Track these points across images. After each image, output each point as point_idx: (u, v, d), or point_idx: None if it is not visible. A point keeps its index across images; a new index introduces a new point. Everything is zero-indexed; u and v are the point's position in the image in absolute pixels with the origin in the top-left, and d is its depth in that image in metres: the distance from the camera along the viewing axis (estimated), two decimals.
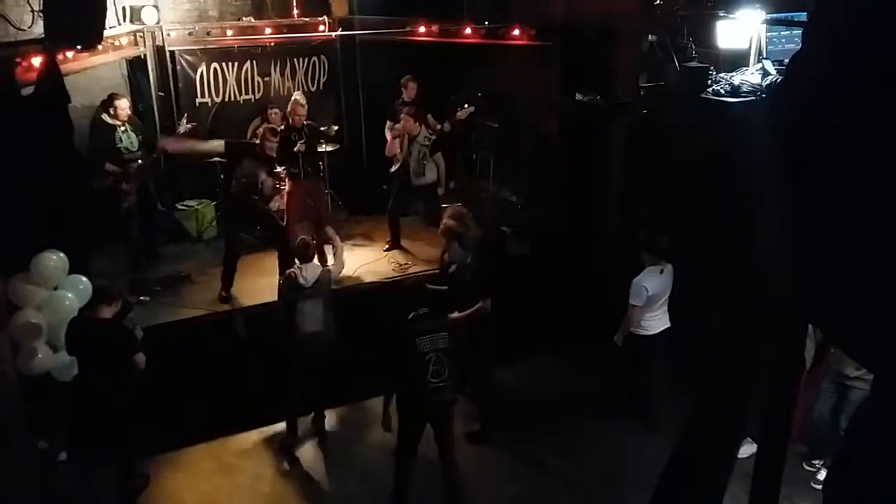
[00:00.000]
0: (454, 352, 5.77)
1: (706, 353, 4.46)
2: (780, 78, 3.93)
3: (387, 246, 9.05)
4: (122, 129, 8.05)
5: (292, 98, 8.52)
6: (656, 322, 6.96)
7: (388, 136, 9.18)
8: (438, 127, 8.80)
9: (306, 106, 8.44)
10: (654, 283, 6.78)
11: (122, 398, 5.73)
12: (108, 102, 8.06)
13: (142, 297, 7.61)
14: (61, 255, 6.01)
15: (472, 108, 9.05)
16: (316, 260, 6.77)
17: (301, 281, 6.54)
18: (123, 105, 8.06)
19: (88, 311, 5.82)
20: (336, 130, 8.73)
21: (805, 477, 6.32)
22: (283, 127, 8.40)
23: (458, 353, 5.91)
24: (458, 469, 6.02)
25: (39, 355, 5.71)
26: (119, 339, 5.73)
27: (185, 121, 8.58)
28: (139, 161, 8.08)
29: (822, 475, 6.28)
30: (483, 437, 6.91)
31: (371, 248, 9.13)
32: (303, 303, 6.57)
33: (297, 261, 6.72)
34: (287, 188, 8.07)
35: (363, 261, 8.73)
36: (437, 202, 8.82)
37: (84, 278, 6.11)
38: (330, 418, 7.26)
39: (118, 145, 8.01)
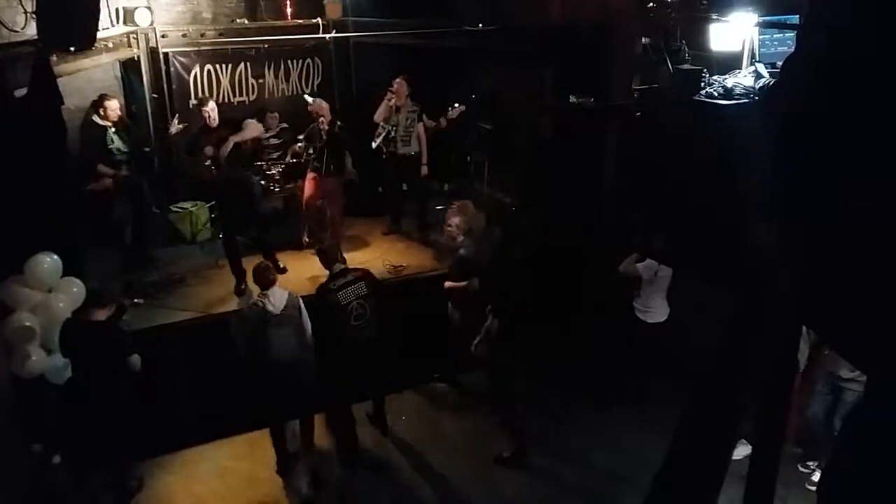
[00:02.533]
0: (372, 297, 6.45)
1: (701, 354, 4.47)
2: (774, 80, 3.93)
3: (386, 230, 9.30)
4: (113, 129, 8.07)
5: (315, 101, 8.55)
6: (662, 310, 7.13)
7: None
8: (433, 124, 9.02)
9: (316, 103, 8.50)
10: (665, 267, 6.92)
11: (115, 400, 5.72)
12: (99, 103, 8.06)
13: (136, 300, 7.60)
14: (55, 257, 5.99)
15: (462, 108, 9.10)
16: (277, 285, 6.31)
17: (270, 308, 6.12)
18: (114, 106, 8.06)
19: (82, 313, 5.81)
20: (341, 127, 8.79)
21: (799, 478, 6.33)
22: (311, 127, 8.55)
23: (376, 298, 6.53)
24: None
25: (33, 357, 5.69)
26: (112, 342, 5.72)
27: (176, 120, 8.57)
28: (130, 162, 8.10)
29: (816, 476, 6.30)
30: (514, 461, 6.78)
31: (365, 249, 9.13)
32: (272, 331, 6.14)
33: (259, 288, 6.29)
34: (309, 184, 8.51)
35: (357, 262, 8.72)
36: (419, 175, 9.13)
37: (78, 281, 6.09)
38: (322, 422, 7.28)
39: (109, 146, 8.05)
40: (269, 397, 6.34)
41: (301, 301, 6.37)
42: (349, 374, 6.53)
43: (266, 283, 6.21)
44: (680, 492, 4.27)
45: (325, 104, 8.45)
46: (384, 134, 8.95)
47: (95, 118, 8.07)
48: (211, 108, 7.72)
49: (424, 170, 9.11)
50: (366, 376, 6.65)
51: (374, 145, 9.04)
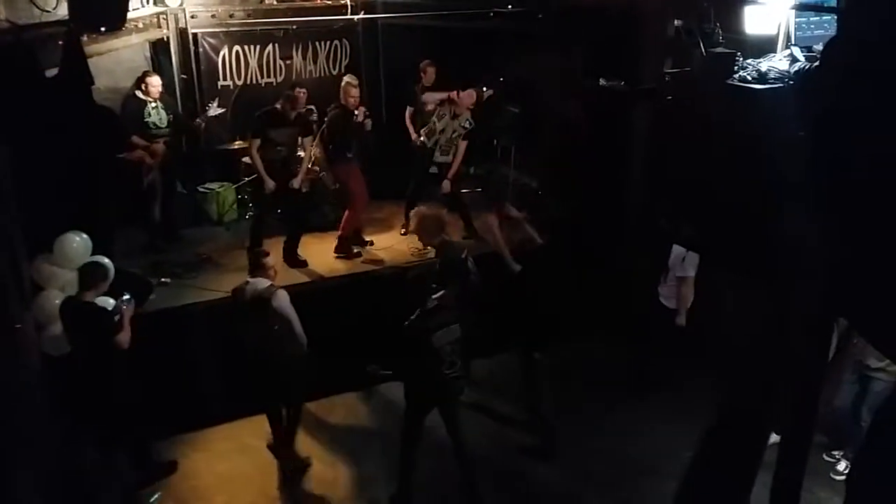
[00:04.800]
0: (465, 339, 5.79)
1: (733, 345, 4.43)
2: (812, 64, 3.86)
3: (403, 230, 9.07)
4: (153, 105, 8.24)
5: (345, 80, 8.42)
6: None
7: (409, 123, 9.17)
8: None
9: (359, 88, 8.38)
10: (692, 256, 6.80)
11: (107, 379, 5.77)
12: (141, 79, 8.26)
13: (163, 279, 7.67)
14: (84, 236, 6.06)
15: (490, 91, 9.00)
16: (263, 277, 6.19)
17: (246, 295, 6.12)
18: (155, 82, 8.25)
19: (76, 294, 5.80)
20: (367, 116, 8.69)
21: (825, 467, 6.30)
22: (336, 108, 8.34)
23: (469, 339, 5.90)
24: (467, 445, 6.07)
25: (61, 335, 5.75)
26: (95, 321, 5.72)
27: (215, 104, 8.60)
28: (166, 138, 8.23)
29: (841, 466, 6.26)
30: (544, 452, 6.78)
31: (390, 232, 9.16)
32: (241, 316, 6.21)
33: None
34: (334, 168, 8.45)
35: (382, 245, 8.75)
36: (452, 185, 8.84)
37: (106, 259, 6.14)
38: (342, 404, 7.37)
39: (146, 119, 8.19)
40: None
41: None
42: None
43: (254, 270, 6.23)
44: (712, 489, 4.25)
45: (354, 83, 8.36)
46: (428, 136, 8.72)
47: (137, 93, 8.24)
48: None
49: (446, 185, 8.77)
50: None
51: (420, 139, 8.80)
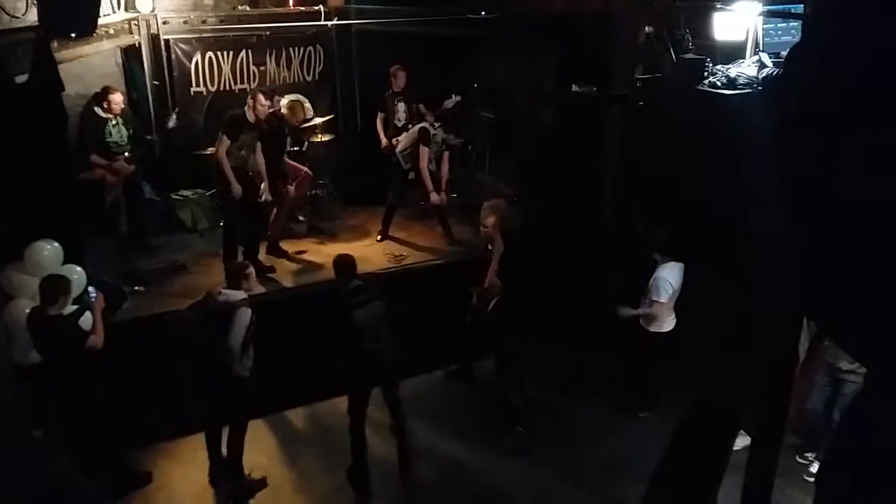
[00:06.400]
0: (391, 316, 6.12)
1: (704, 348, 4.47)
2: (778, 70, 3.92)
3: (379, 236, 9.06)
4: (114, 122, 8.00)
5: (294, 99, 8.37)
6: (671, 320, 6.98)
7: (380, 128, 9.18)
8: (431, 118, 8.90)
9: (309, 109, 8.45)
10: (675, 277, 6.78)
11: (77, 387, 5.72)
12: (102, 96, 7.98)
13: (136, 287, 7.60)
14: (55, 244, 5.99)
15: (458, 98, 9.02)
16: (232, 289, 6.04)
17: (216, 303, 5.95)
18: (117, 99, 8.00)
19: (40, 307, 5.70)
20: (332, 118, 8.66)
21: (797, 469, 6.35)
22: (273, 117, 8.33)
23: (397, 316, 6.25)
24: (407, 439, 6.41)
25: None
26: (61, 336, 5.68)
27: (173, 115, 8.50)
28: (126, 154, 8.07)
29: (814, 467, 6.31)
30: (517, 449, 6.77)
31: (365, 238, 9.15)
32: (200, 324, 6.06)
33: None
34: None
35: (357, 252, 8.72)
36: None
37: (79, 268, 6.08)
38: (320, 412, 7.33)
39: (108, 139, 7.98)
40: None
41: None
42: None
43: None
44: (681, 483, 4.27)
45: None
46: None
47: (98, 110, 7.97)
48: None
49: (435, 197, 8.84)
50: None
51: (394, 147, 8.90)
